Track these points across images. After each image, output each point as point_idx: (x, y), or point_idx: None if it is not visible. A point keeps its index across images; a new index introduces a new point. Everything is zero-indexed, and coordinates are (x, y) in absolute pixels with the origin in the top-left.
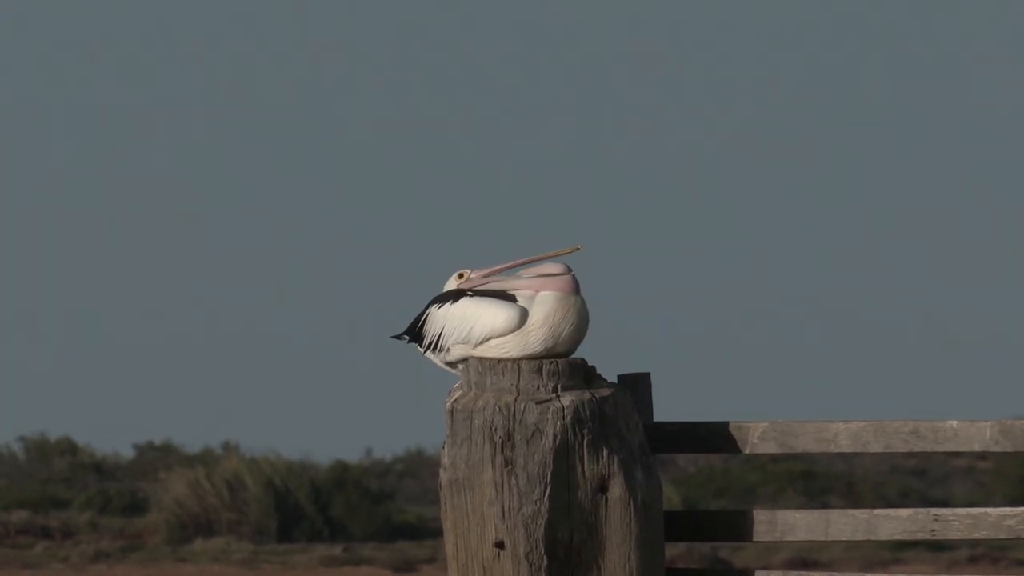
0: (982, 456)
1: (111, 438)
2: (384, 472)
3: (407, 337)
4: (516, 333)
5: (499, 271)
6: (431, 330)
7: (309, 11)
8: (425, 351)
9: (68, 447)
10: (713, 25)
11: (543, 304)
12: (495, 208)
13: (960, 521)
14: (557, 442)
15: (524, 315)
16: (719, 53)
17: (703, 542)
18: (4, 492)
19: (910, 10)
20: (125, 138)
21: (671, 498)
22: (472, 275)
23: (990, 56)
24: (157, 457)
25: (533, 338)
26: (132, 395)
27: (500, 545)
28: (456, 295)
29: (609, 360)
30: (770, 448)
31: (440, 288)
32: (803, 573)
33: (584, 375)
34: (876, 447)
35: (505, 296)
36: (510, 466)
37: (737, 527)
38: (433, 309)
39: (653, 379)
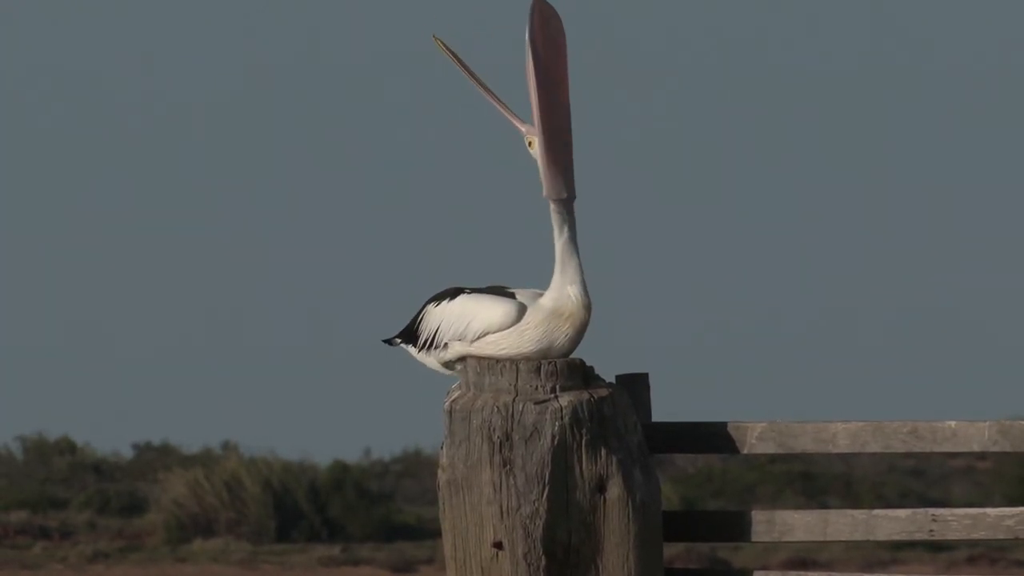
0: (981, 456)
1: (110, 438)
2: (383, 472)
3: (399, 340)
4: (512, 330)
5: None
6: (427, 328)
7: (310, 10)
8: (420, 350)
9: (67, 447)
10: (713, 26)
11: (542, 309)
12: (492, 209)
13: (959, 521)
14: (555, 442)
15: (522, 311)
16: (726, 50)
17: (702, 542)
18: (2, 492)
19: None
20: (124, 138)
21: (670, 498)
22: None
23: (992, 57)
24: (156, 457)
25: (527, 337)
26: (131, 395)
27: (498, 545)
28: (453, 293)
29: (607, 360)
30: (769, 448)
31: (436, 286)
32: (802, 573)
33: (582, 375)
34: (875, 447)
35: (503, 293)
36: (508, 466)
37: (736, 527)
38: (430, 307)
39: (651, 379)
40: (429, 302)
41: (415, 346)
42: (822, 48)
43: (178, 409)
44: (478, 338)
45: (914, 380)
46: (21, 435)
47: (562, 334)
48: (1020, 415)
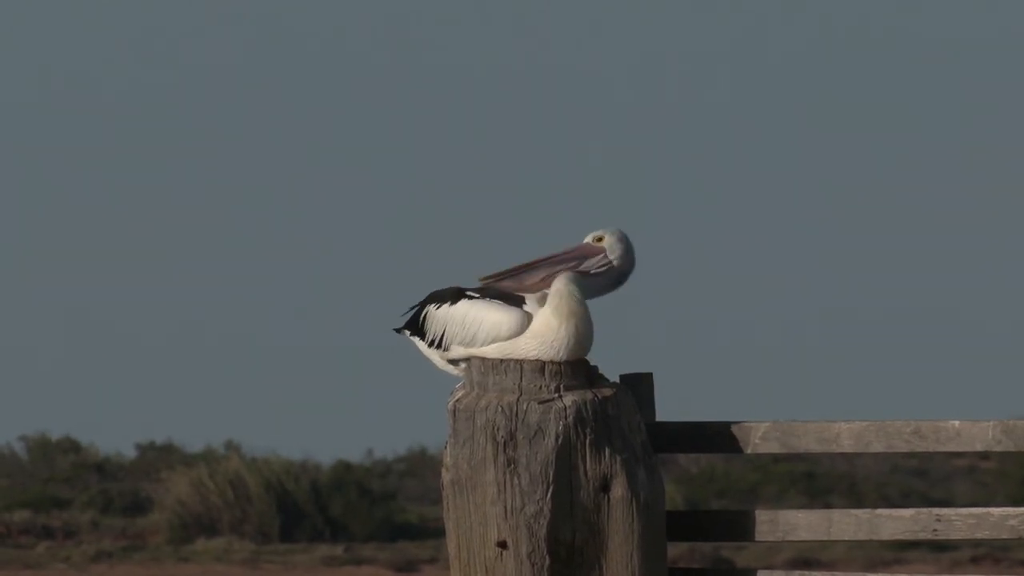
0: (984, 456)
1: (113, 437)
2: (386, 472)
3: (408, 331)
4: (517, 338)
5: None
6: (431, 329)
7: (312, 7)
8: (428, 346)
9: (70, 446)
10: (723, 28)
11: (541, 322)
12: (495, 208)
13: (962, 521)
14: (559, 442)
15: (528, 319)
16: (729, 54)
17: (705, 542)
18: (6, 492)
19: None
20: (125, 137)
21: (673, 498)
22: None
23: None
24: (159, 457)
25: (529, 351)
26: (134, 394)
27: (502, 545)
28: (455, 296)
29: (611, 360)
30: (772, 448)
31: (439, 284)
32: (805, 573)
33: (586, 375)
34: (878, 447)
35: (511, 298)
36: (512, 466)
37: (739, 527)
38: (431, 309)
39: (655, 379)
40: (430, 302)
41: (423, 341)
42: (822, 47)
43: (181, 409)
44: (484, 346)
45: (917, 380)
46: (24, 434)
47: (561, 354)
48: (1023, 415)
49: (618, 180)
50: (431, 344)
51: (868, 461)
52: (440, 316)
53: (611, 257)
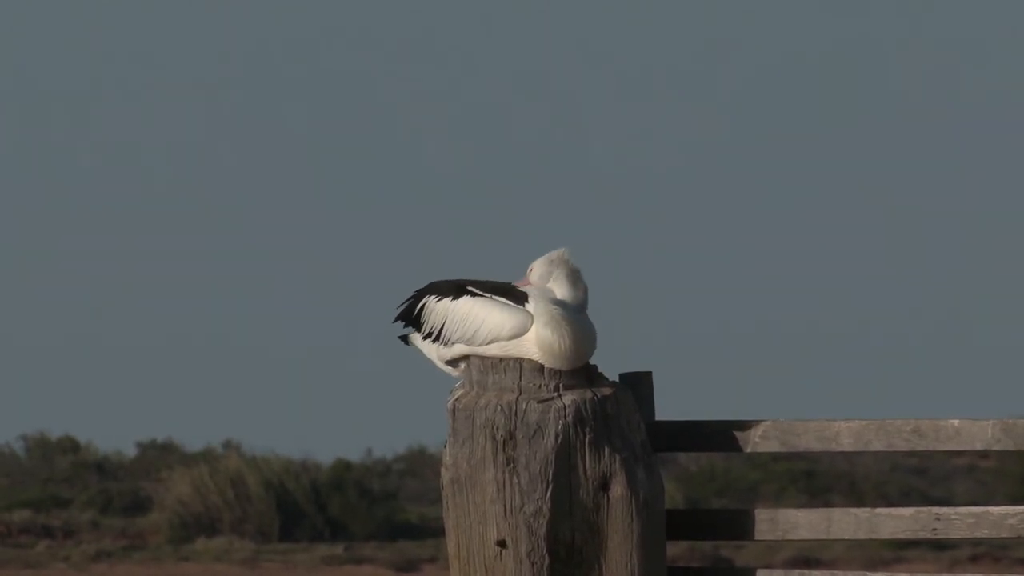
0: (984, 455)
1: (113, 436)
2: (385, 471)
3: (403, 323)
4: (521, 339)
5: None
6: (430, 321)
7: (315, 9)
8: (424, 339)
9: (70, 446)
10: (709, 28)
11: (541, 335)
12: (493, 208)
13: (962, 520)
14: (559, 441)
15: (531, 321)
16: (720, 54)
17: (705, 541)
18: (6, 491)
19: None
20: (124, 137)
21: (673, 496)
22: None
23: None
24: (159, 456)
25: (532, 353)
26: (134, 394)
27: (502, 544)
28: (457, 290)
29: (611, 359)
30: (772, 447)
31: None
32: (805, 572)
33: (586, 374)
34: (878, 446)
35: (515, 295)
36: (512, 465)
37: (739, 526)
38: (431, 300)
39: (655, 378)
40: (429, 293)
41: (419, 333)
42: (820, 48)
43: (181, 408)
44: (485, 344)
45: (917, 378)
46: (24, 434)
47: (559, 364)
48: (1023, 414)
49: (617, 180)
50: (427, 336)
51: (868, 460)
52: (440, 309)
53: (532, 279)
